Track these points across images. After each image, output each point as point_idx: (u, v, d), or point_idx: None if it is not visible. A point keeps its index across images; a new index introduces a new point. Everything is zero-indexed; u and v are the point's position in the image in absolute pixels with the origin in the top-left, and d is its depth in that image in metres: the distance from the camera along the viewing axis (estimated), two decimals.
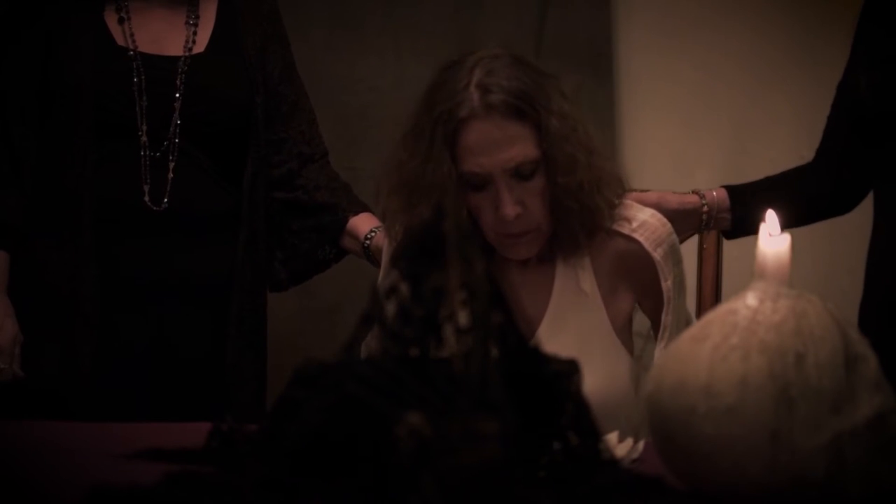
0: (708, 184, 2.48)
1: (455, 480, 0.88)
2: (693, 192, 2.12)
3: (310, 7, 3.09)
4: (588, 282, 1.94)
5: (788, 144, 2.29)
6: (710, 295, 2.33)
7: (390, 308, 1.06)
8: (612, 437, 1.43)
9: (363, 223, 2.25)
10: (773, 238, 1.17)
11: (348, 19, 3.15)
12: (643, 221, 1.95)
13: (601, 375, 1.82)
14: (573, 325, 1.92)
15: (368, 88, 3.11)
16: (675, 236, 1.95)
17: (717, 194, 2.11)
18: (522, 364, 1.08)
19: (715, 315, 1.15)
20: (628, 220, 1.95)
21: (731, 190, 2.12)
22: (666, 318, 1.93)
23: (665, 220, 1.96)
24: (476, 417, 0.91)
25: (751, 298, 1.14)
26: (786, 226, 2.12)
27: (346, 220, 2.27)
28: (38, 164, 2.14)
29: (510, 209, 1.83)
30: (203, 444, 1.33)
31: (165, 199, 2.13)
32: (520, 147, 1.84)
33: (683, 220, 2.07)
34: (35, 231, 2.14)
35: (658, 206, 2.02)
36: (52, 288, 2.13)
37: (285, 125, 2.27)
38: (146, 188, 2.13)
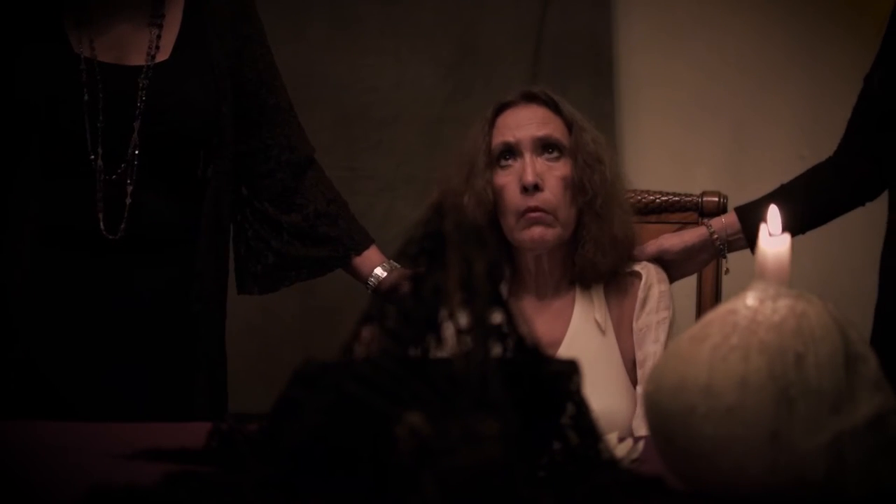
0: (708, 184, 2.48)
1: (455, 480, 0.88)
2: (701, 222, 2.18)
3: (309, 7, 3.10)
4: (601, 313, 2.02)
5: (787, 144, 2.29)
6: (710, 295, 2.33)
7: (390, 308, 1.06)
8: (612, 437, 1.44)
9: (366, 263, 2.19)
10: (773, 238, 1.17)
11: (348, 19, 3.15)
12: (646, 264, 2.11)
13: (605, 405, 1.85)
14: (587, 354, 1.99)
15: (368, 88, 3.11)
16: (668, 285, 2.11)
17: (726, 219, 2.17)
18: (522, 364, 1.08)
19: (715, 315, 1.15)
20: (636, 262, 2.13)
21: (740, 210, 2.17)
22: (652, 345, 2.00)
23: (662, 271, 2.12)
24: (476, 417, 0.91)
25: (751, 298, 1.14)
26: (809, 227, 2.14)
27: (350, 260, 2.20)
28: None
29: (531, 175, 2.02)
30: (203, 444, 1.33)
31: (122, 226, 2.00)
32: (551, 128, 2.08)
33: (696, 255, 2.16)
34: None
35: (662, 254, 2.13)
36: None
37: (269, 131, 2.16)
38: (100, 215, 2.00)
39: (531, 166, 2.04)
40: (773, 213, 1.18)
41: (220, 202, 2.09)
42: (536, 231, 2.03)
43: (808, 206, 2.10)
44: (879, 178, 2.11)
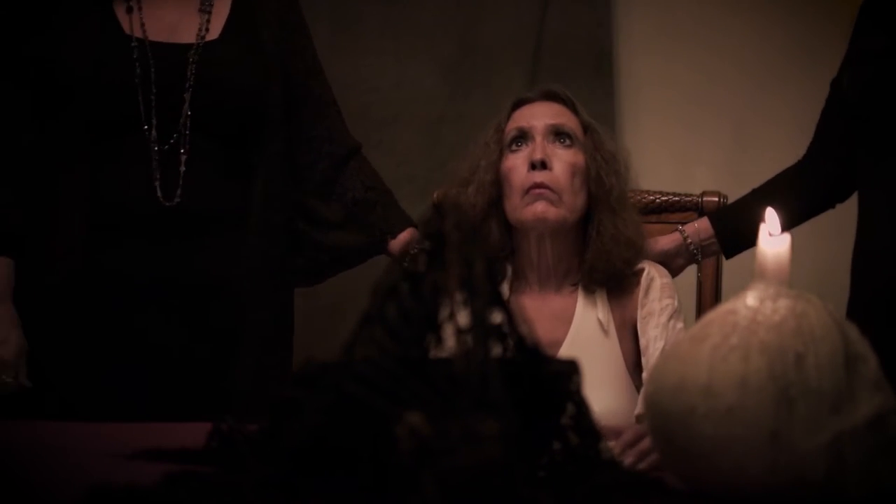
0: (708, 184, 2.49)
1: (455, 480, 0.88)
2: (676, 228, 2.24)
3: (310, 7, 3.09)
4: (604, 314, 2.02)
5: (787, 144, 2.29)
6: (710, 295, 2.33)
7: (390, 308, 1.06)
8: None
9: (399, 246, 2.21)
10: (773, 238, 1.17)
11: (349, 19, 3.15)
12: (647, 262, 2.13)
13: (606, 405, 1.86)
14: (589, 354, 2.00)
15: (368, 88, 3.12)
16: (670, 279, 2.14)
17: (699, 225, 2.23)
18: (522, 364, 1.08)
19: (715, 315, 1.15)
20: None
21: (712, 216, 2.24)
22: (654, 329, 2.00)
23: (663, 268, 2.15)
24: (476, 417, 0.91)
25: (751, 298, 1.14)
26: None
27: (386, 245, 2.23)
28: (37, 164, 2.07)
29: (540, 152, 2.06)
30: (203, 444, 1.33)
31: (178, 193, 2.05)
32: (566, 119, 2.11)
33: (672, 261, 2.22)
34: (33, 233, 2.07)
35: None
36: (51, 288, 2.06)
37: (312, 122, 2.21)
38: (157, 184, 2.05)
39: (541, 146, 2.06)
40: (772, 214, 1.18)
41: (271, 181, 2.13)
42: (540, 206, 2.04)
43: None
44: (848, 180, 2.12)
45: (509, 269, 2.11)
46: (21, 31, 2.10)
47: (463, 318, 1.02)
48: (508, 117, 2.15)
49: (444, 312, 1.03)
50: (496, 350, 1.05)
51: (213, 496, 0.99)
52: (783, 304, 1.13)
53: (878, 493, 1.10)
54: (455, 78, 3.23)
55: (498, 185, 2.09)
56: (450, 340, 1.02)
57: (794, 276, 1.16)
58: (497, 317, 1.05)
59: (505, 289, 2.09)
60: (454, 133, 3.18)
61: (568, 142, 2.09)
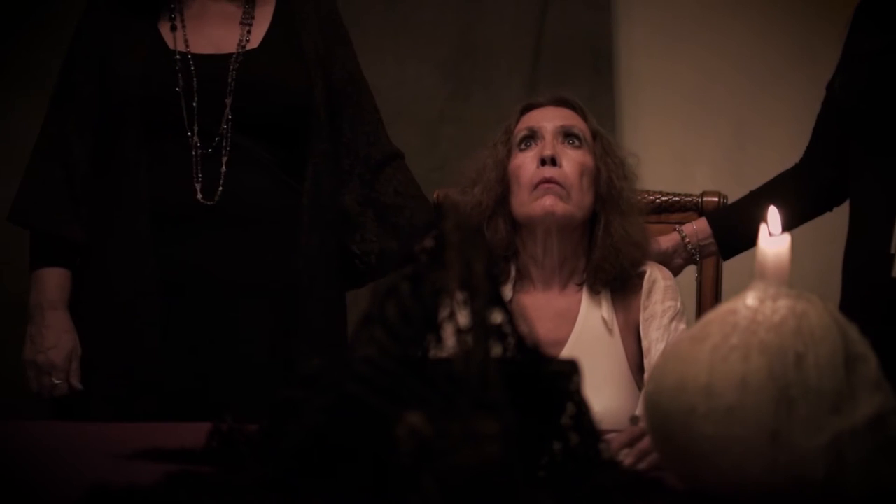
0: (708, 184, 2.49)
1: (455, 480, 0.88)
2: (674, 228, 2.25)
3: None
4: (608, 313, 2.03)
5: (787, 144, 2.29)
6: (710, 295, 2.34)
7: (390, 308, 1.06)
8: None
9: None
10: (773, 238, 1.17)
11: (348, 19, 3.14)
12: (649, 263, 2.13)
13: (608, 406, 1.86)
14: (593, 354, 2.00)
15: None
16: (673, 280, 2.14)
17: (697, 225, 2.24)
18: (522, 364, 1.08)
19: (715, 315, 1.15)
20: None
21: (710, 216, 2.25)
22: (656, 331, 2.01)
23: (666, 270, 2.16)
24: (476, 417, 0.91)
25: (751, 298, 1.14)
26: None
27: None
28: (93, 171, 2.17)
29: (550, 149, 2.07)
30: (203, 444, 1.33)
31: (218, 192, 2.13)
32: (574, 122, 2.13)
33: (671, 261, 2.23)
34: (93, 237, 2.16)
35: None
36: (113, 292, 2.14)
37: (353, 129, 2.27)
38: (198, 185, 2.12)
39: (551, 144, 2.08)
40: (773, 214, 1.18)
41: (321, 181, 2.20)
42: (548, 200, 2.04)
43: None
44: (845, 184, 2.13)
45: (513, 270, 2.12)
46: (80, 54, 2.21)
47: (463, 318, 1.02)
48: (518, 120, 2.16)
49: (444, 312, 1.03)
50: (496, 350, 1.05)
51: (213, 496, 0.99)
52: (783, 304, 1.13)
53: (878, 493, 1.10)
54: (455, 78, 3.23)
55: (504, 184, 2.10)
56: (450, 340, 1.02)
57: (794, 276, 1.16)
58: (497, 317, 1.05)
59: (508, 290, 2.09)
60: (454, 133, 3.19)
61: (577, 142, 2.11)
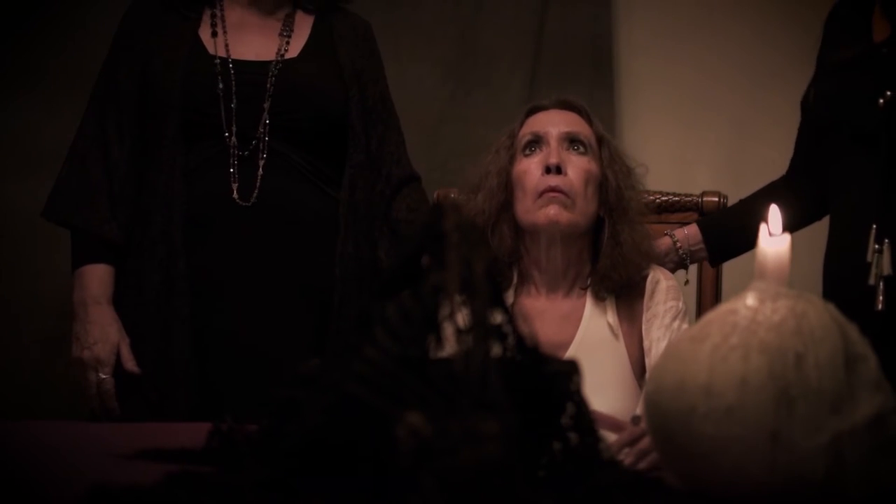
0: (708, 184, 2.49)
1: (455, 480, 0.88)
2: (665, 233, 2.26)
3: None
4: (613, 317, 2.04)
5: (787, 144, 2.29)
6: (710, 295, 2.34)
7: (390, 308, 1.06)
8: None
9: None
10: (773, 238, 1.17)
11: None
12: (652, 266, 2.13)
13: (611, 408, 1.86)
14: (597, 356, 2.00)
15: None
16: (675, 281, 2.14)
17: (688, 230, 2.26)
18: (522, 364, 1.08)
19: (715, 315, 1.15)
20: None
21: (702, 222, 2.26)
22: (657, 331, 2.01)
23: (667, 271, 2.17)
24: (476, 417, 0.91)
25: (751, 298, 1.14)
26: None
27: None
28: (132, 171, 2.21)
29: (556, 156, 2.06)
30: (203, 444, 1.33)
31: (255, 194, 2.17)
32: (581, 128, 2.12)
33: (661, 263, 2.22)
34: (130, 237, 2.20)
35: None
36: (146, 291, 2.17)
37: (380, 146, 2.31)
38: (234, 186, 2.17)
39: (556, 151, 2.07)
40: (774, 214, 1.18)
41: (356, 191, 2.25)
42: (553, 209, 2.04)
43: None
44: (826, 196, 2.13)
45: (515, 275, 2.11)
46: (122, 56, 2.25)
47: (463, 318, 1.02)
48: (522, 124, 2.16)
49: (444, 312, 1.03)
50: (496, 350, 1.05)
51: (213, 496, 0.99)
52: (783, 304, 1.13)
53: (878, 493, 1.10)
54: (455, 78, 3.23)
55: (508, 189, 2.09)
56: (450, 340, 1.02)
57: (794, 276, 1.16)
58: (497, 317, 1.05)
59: (510, 295, 2.09)
60: (454, 133, 3.19)
61: (582, 149, 2.10)
